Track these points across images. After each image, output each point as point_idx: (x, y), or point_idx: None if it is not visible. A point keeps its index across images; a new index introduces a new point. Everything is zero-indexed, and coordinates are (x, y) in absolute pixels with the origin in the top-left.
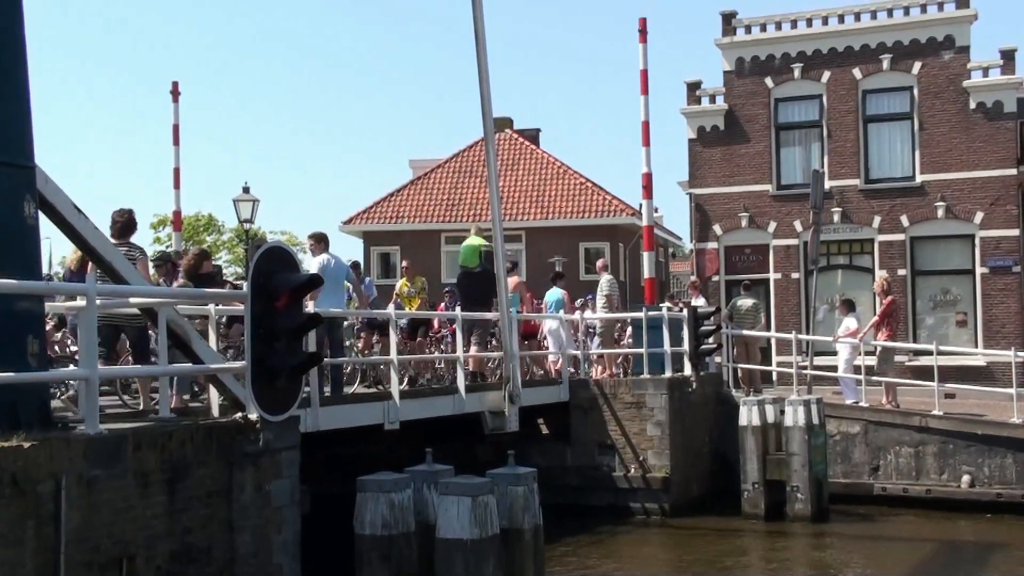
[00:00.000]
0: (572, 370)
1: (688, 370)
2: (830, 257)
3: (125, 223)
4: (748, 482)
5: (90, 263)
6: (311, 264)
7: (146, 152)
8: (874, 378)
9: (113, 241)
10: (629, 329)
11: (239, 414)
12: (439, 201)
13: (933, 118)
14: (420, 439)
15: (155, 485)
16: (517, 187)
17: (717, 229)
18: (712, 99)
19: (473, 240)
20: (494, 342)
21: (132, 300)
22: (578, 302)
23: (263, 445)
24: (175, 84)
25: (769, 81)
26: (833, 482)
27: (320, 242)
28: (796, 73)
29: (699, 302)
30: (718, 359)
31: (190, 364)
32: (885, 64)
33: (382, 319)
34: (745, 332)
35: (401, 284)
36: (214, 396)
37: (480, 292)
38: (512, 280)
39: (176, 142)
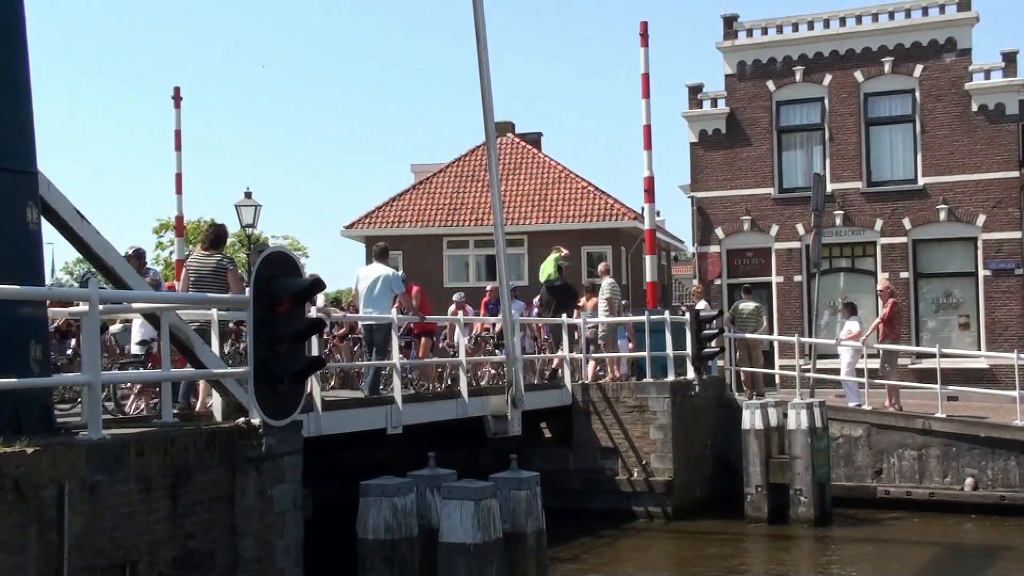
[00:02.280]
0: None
1: (691, 373)
2: (832, 260)
3: (214, 236)
4: (751, 485)
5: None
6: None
7: (148, 157)
8: (877, 381)
9: (204, 252)
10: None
11: (242, 419)
12: (441, 205)
13: (935, 120)
14: (423, 443)
15: (158, 490)
16: (519, 191)
17: (719, 232)
18: (714, 103)
19: (553, 256)
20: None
21: (134, 305)
22: (536, 299)
23: (266, 450)
24: (177, 90)
25: (770, 84)
26: (836, 485)
27: (376, 256)
28: (797, 76)
29: (701, 306)
30: (720, 362)
31: (193, 369)
32: (886, 67)
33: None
34: (747, 335)
35: None
36: (217, 401)
37: (560, 302)
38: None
39: (178, 147)
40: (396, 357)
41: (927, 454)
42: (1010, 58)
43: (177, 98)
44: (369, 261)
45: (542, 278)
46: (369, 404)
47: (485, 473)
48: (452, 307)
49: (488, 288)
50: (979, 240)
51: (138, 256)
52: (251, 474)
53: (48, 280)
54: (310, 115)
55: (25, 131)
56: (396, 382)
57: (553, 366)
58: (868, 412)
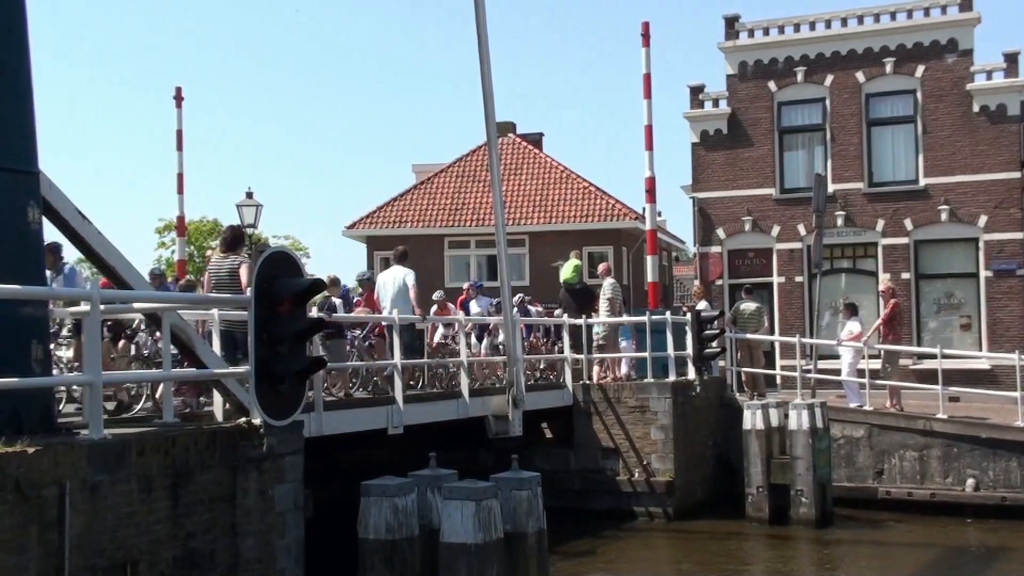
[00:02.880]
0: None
1: (692, 374)
2: (833, 261)
3: (230, 238)
4: (752, 486)
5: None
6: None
7: (150, 157)
8: (878, 381)
9: (221, 255)
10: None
11: (243, 419)
12: (442, 206)
13: (936, 121)
14: (424, 444)
15: (159, 490)
16: (520, 191)
17: (720, 233)
18: (715, 103)
19: (573, 260)
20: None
21: (136, 305)
22: (516, 298)
23: (267, 450)
24: (178, 90)
25: (772, 85)
26: (837, 486)
27: (396, 259)
28: (799, 76)
29: (702, 307)
30: (722, 363)
31: (194, 369)
32: (888, 67)
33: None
34: (749, 336)
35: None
36: (218, 401)
37: (580, 304)
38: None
39: (180, 147)
40: (397, 357)
41: (928, 455)
42: (1012, 59)
43: (179, 98)
44: (370, 262)
45: (562, 279)
46: (370, 404)
47: (486, 473)
48: (434, 308)
49: (464, 287)
50: (980, 241)
51: (54, 249)
52: (252, 474)
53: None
54: (311, 115)
55: (26, 131)
56: (397, 382)
57: (541, 367)
58: (869, 413)
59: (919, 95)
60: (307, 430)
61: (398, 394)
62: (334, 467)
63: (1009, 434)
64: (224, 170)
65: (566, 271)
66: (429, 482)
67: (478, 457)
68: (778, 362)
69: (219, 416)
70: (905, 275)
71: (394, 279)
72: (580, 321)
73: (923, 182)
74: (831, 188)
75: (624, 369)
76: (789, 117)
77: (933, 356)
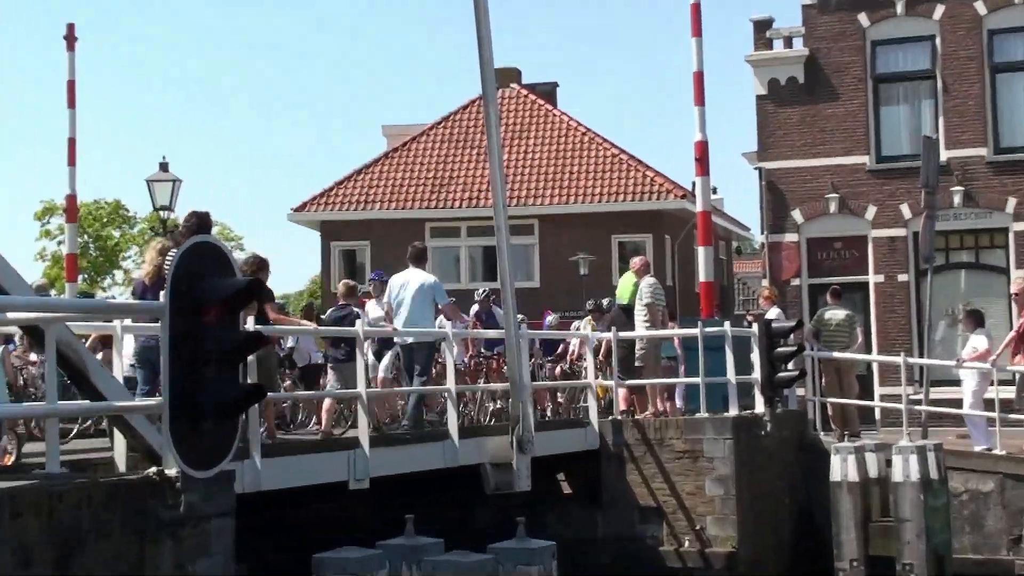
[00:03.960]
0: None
1: (760, 406)
2: (950, 253)
3: (192, 226)
4: (844, 559)
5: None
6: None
7: (29, 115)
8: (1012, 416)
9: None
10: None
11: (153, 468)
12: (422, 180)
13: None
14: (398, 499)
15: (40, 564)
16: (528, 160)
17: (797, 216)
18: (787, 42)
19: (631, 277)
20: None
21: (10, 316)
22: (480, 292)
23: (185, 510)
24: (71, 27)
25: (864, 18)
26: (959, 558)
27: (412, 259)
28: (899, 7)
29: (773, 315)
30: (800, 391)
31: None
32: None
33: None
34: (837, 355)
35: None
36: (119, 444)
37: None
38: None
39: (71, 104)
40: (361, 385)
41: None
42: None
43: (70, 37)
44: (325, 255)
45: (621, 299)
46: (324, 448)
47: (482, 541)
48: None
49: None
50: None
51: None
52: (166, 543)
53: None
54: (245, 68)
55: None
56: (361, 418)
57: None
58: (1001, 458)
59: None
60: (240, 484)
61: (363, 434)
62: (277, 531)
63: None
64: (131, 138)
65: (623, 290)
66: (405, 554)
67: (472, 519)
68: (876, 390)
69: (121, 465)
70: None
71: (415, 285)
72: (603, 335)
73: None
74: (944, 156)
75: (676, 401)
76: (887, 61)
77: None
